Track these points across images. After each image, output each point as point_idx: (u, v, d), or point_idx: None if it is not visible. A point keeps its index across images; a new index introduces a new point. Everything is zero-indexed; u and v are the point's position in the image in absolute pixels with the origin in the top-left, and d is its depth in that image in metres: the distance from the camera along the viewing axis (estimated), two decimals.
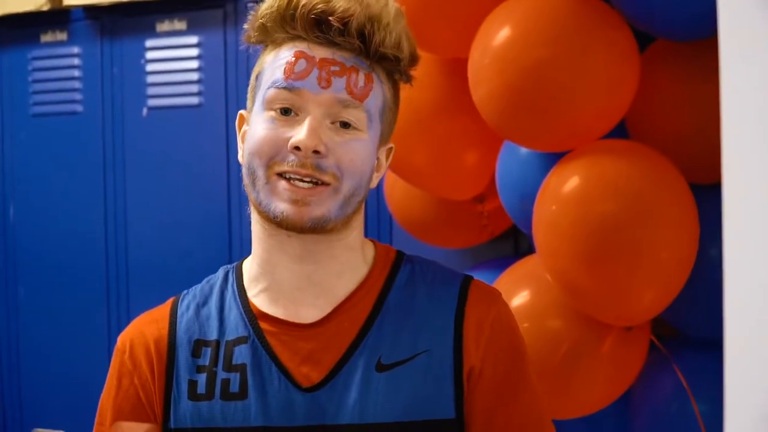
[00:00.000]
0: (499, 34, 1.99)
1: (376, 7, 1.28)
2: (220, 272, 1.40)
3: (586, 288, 1.95)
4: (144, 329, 1.36)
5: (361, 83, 1.29)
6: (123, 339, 1.37)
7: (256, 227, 1.34)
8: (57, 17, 3.18)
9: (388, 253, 1.39)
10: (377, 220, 2.74)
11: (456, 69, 2.19)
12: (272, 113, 1.28)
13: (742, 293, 1.47)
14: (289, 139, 1.26)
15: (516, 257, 2.40)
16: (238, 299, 1.35)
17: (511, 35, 1.97)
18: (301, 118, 1.27)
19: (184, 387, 1.32)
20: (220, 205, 2.95)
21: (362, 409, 1.28)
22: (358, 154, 1.29)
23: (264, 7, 1.31)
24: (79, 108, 3.17)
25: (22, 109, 3.26)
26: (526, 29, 1.98)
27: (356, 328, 1.31)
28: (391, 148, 1.38)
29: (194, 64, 3.01)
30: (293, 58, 1.28)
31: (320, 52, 1.28)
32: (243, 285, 1.36)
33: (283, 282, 1.33)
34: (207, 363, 1.32)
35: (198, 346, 1.33)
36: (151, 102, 3.06)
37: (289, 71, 1.28)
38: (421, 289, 1.34)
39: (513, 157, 2.20)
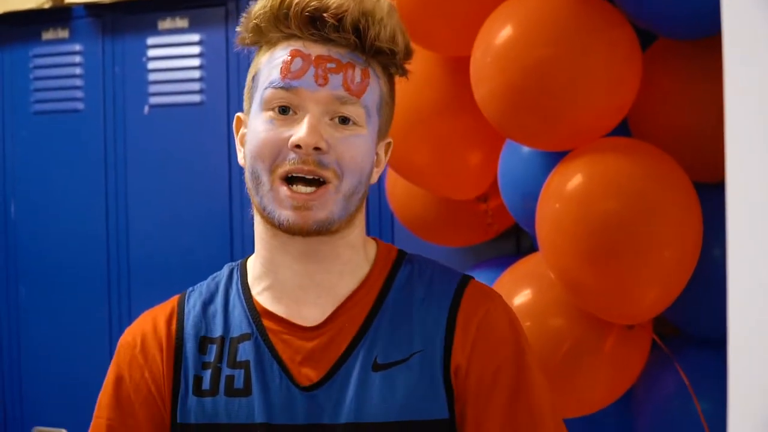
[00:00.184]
0: (501, 32, 1.99)
1: (369, 2, 1.28)
2: (225, 269, 1.40)
3: (588, 286, 1.95)
4: (154, 323, 1.36)
5: (357, 79, 1.28)
6: (133, 333, 1.37)
7: (259, 228, 1.34)
8: (58, 15, 3.18)
9: (389, 252, 1.38)
10: (379, 218, 2.74)
11: (458, 67, 2.19)
12: (271, 113, 1.28)
13: (746, 292, 1.47)
14: (288, 138, 1.26)
15: (518, 256, 2.40)
16: (242, 297, 1.35)
17: (513, 34, 1.97)
18: (300, 116, 1.27)
19: (191, 382, 1.32)
20: (221, 203, 2.95)
21: (359, 409, 1.27)
22: (359, 150, 1.29)
23: (257, 8, 1.30)
24: (80, 106, 3.17)
25: (23, 107, 3.25)
26: (529, 28, 1.98)
27: (355, 328, 1.31)
28: (389, 143, 1.38)
29: (196, 62, 3.00)
30: (289, 57, 1.28)
31: (316, 50, 1.28)
32: (247, 283, 1.36)
33: (286, 281, 1.33)
34: (212, 359, 1.32)
35: (204, 342, 1.33)
36: (153, 100, 3.06)
37: (286, 70, 1.28)
38: (419, 288, 1.34)
39: (515, 156, 2.20)
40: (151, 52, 3.06)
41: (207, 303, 1.36)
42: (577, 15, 1.97)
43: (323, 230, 1.28)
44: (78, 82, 3.17)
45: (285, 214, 1.26)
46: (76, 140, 3.17)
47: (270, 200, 1.28)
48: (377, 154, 1.34)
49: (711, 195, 1.93)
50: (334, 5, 1.26)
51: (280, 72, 1.28)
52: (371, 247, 1.38)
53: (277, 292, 1.34)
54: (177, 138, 3.03)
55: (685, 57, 2.09)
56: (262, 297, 1.34)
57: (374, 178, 1.35)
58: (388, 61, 1.32)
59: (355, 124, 1.29)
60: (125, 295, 3.10)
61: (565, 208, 1.95)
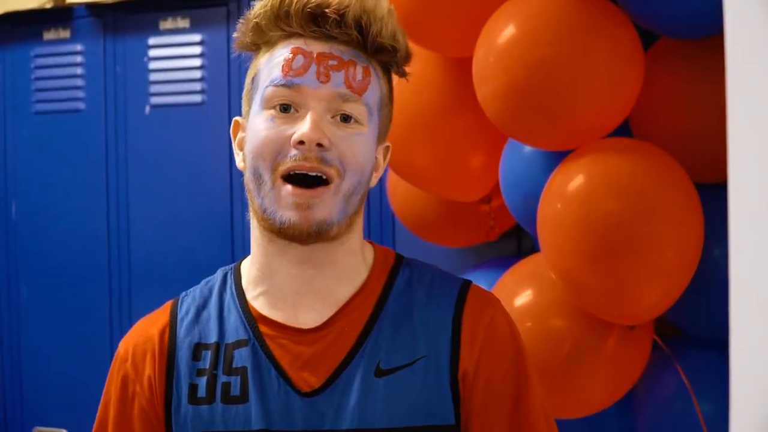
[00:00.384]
0: (503, 32, 1.99)
1: (370, 1, 1.28)
2: (219, 274, 1.39)
3: (589, 286, 1.95)
4: (145, 334, 1.35)
5: (359, 76, 1.28)
6: (125, 346, 1.36)
7: (256, 233, 1.33)
8: (60, 15, 3.18)
9: (386, 256, 1.37)
10: (380, 219, 2.73)
11: (459, 69, 2.19)
12: (272, 111, 1.27)
13: (748, 293, 1.47)
14: (291, 135, 1.25)
15: (519, 256, 2.39)
16: (237, 302, 1.34)
17: (515, 33, 1.97)
18: (302, 114, 1.26)
19: (185, 391, 1.31)
20: (222, 203, 2.95)
21: (361, 415, 1.26)
22: (361, 148, 1.28)
23: (257, 8, 1.30)
24: (81, 106, 3.17)
25: (24, 106, 3.26)
26: (531, 27, 1.98)
27: (355, 334, 1.30)
28: (388, 147, 1.37)
29: (197, 62, 3.01)
30: (290, 55, 1.27)
31: (317, 47, 1.27)
32: (242, 287, 1.35)
33: (283, 286, 1.32)
34: (207, 366, 1.31)
35: (198, 349, 1.32)
36: (154, 100, 3.06)
37: (287, 68, 1.27)
38: (420, 293, 1.33)
39: (516, 156, 2.20)
40: (153, 52, 3.06)
41: (201, 308, 1.35)
42: (580, 14, 1.97)
43: (322, 233, 1.27)
44: (79, 82, 3.17)
45: (286, 215, 1.25)
46: (77, 140, 3.17)
47: (271, 200, 1.26)
48: (376, 157, 1.34)
49: (712, 195, 1.93)
50: (336, 1, 1.26)
51: (282, 70, 1.27)
52: (369, 252, 1.37)
53: (273, 297, 1.32)
54: (178, 138, 3.03)
55: (687, 57, 2.09)
56: (257, 302, 1.33)
57: (373, 182, 1.34)
58: (390, 59, 1.32)
59: (356, 122, 1.28)
60: (126, 295, 3.10)
61: (567, 209, 1.95)
